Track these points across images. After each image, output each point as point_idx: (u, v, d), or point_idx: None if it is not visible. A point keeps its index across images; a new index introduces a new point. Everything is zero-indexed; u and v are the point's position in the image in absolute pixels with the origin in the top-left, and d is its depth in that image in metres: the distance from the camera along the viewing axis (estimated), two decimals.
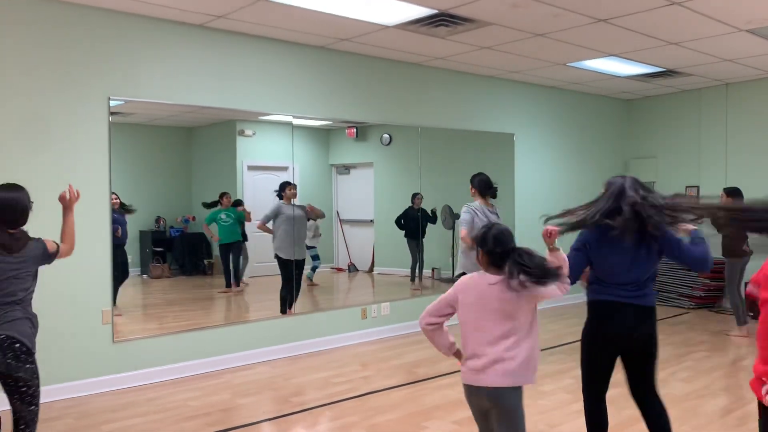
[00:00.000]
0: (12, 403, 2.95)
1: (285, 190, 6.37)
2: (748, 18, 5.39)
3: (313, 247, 7.21)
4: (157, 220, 6.31)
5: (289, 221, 6.35)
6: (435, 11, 5.12)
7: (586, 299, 3.19)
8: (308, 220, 6.75)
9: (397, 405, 4.56)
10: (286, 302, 6.26)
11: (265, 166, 6.66)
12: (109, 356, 4.98)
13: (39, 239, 3.09)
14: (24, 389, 2.91)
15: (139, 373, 5.10)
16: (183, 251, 6.55)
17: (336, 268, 7.95)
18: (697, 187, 8.77)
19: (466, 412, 4.38)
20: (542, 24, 5.50)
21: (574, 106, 8.86)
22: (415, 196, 7.45)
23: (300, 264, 6.47)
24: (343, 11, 5.12)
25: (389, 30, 5.66)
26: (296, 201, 6.49)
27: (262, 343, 5.83)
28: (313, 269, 7.29)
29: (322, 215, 6.99)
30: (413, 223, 7.50)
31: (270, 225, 6.41)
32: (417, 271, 7.70)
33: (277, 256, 6.37)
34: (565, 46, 6.27)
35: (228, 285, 6.57)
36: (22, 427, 2.96)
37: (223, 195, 6.39)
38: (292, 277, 6.31)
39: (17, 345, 2.87)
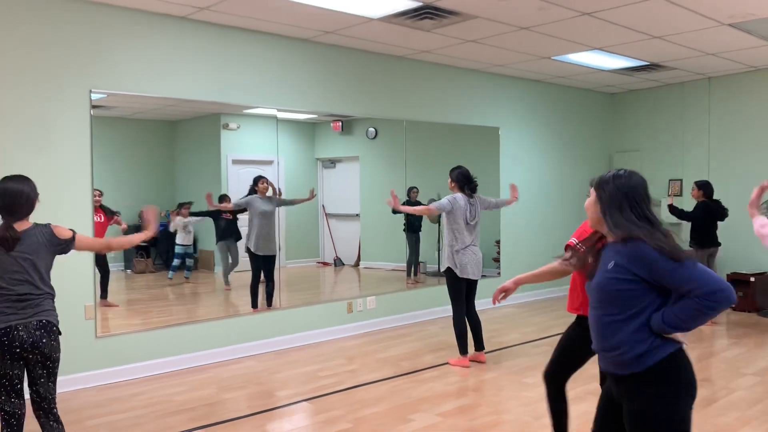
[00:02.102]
0: (42, 387, 3.02)
1: (258, 183, 6.32)
2: (730, 12, 5.43)
3: (187, 245, 6.57)
4: (140, 214, 6.25)
5: (261, 215, 6.31)
6: (420, 4, 5.11)
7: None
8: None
9: (382, 398, 4.57)
10: (257, 298, 6.24)
11: (250, 159, 6.62)
12: (93, 351, 4.93)
13: (45, 225, 3.07)
14: (57, 371, 3.08)
15: (124, 369, 5.07)
16: (167, 246, 6.49)
17: (322, 263, 7.94)
18: (680, 180, 8.84)
19: (451, 404, 4.41)
20: (527, 17, 5.51)
21: (558, 100, 8.89)
22: (410, 190, 7.44)
23: (270, 259, 6.38)
24: (328, 3, 5.09)
25: (374, 23, 5.64)
26: (282, 195, 6.46)
27: (248, 338, 5.81)
28: (188, 268, 6.66)
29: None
30: (412, 216, 7.48)
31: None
32: (413, 265, 7.71)
33: (248, 249, 6.36)
34: (550, 40, 6.28)
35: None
36: (49, 407, 3.07)
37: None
38: (260, 272, 6.31)
39: (55, 328, 3.06)
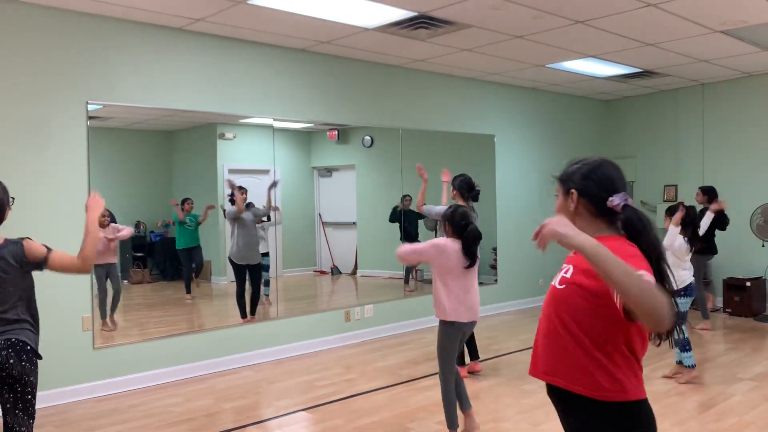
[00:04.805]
0: (9, 414, 2.68)
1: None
2: (723, 19, 5.48)
3: (266, 254, 6.68)
4: (137, 224, 6.25)
5: (241, 225, 6.31)
6: (415, 14, 5.14)
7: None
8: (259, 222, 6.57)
9: (381, 407, 4.57)
10: (245, 308, 6.22)
11: (247, 169, 6.63)
12: (90, 363, 4.92)
13: (17, 241, 2.75)
14: (29, 397, 2.73)
15: (121, 380, 5.06)
16: (163, 256, 6.49)
17: (319, 271, 7.94)
18: (675, 185, 8.88)
19: None
20: (521, 26, 5.54)
21: (553, 107, 8.93)
22: (404, 198, 7.45)
23: (255, 268, 6.39)
24: (323, 14, 5.12)
25: (369, 32, 5.67)
26: (278, 205, 6.47)
27: (245, 348, 5.81)
28: (266, 283, 6.68)
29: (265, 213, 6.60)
30: (408, 224, 7.50)
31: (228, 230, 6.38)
32: (411, 272, 7.73)
33: (231, 261, 6.34)
34: (544, 48, 6.32)
35: (188, 291, 6.48)
36: None
37: (185, 200, 6.34)
38: (244, 282, 6.29)
39: (29, 347, 2.72)
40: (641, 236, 1.79)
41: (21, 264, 2.71)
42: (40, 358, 2.79)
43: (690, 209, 5.20)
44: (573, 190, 1.91)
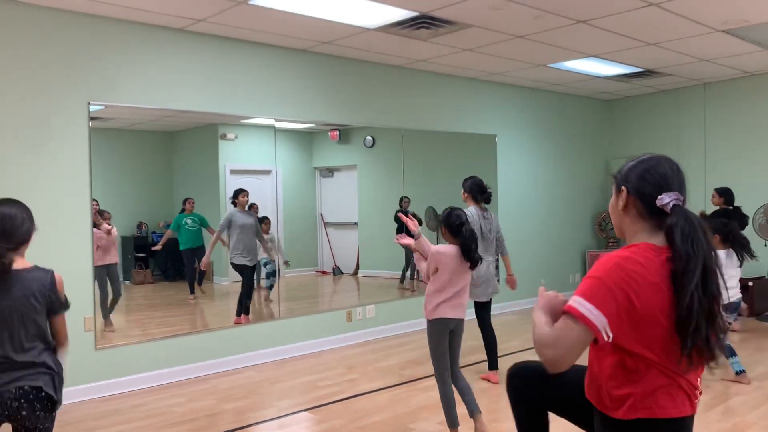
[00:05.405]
0: None
1: (238, 197, 6.29)
2: (724, 18, 5.47)
3: (271, 261, 6.79)
4: (139, 225, 6.25)
5: (242, 228, 6.31)
6: (416, 14, 5.14)
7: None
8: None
9: (383, 407, 4.57)
10: (247, 308, 6.23)
11: (248, 169, 6.64)
12: (92, 363, 4.93)
13: (47, 270, 2.53)
14: None
15: (123, 380, 5.06)
16: (165, 257, 6.49)
17: (321, 272, 7.93)
18: None
19: None
20: (522, 26, 5.54)
21: (555, 107, 8.92)
22: (402, 199, 7.45)
23: (252, 269, 6.42)
24: (324, 14, 5.12)
25: (371, 33, 5.67)
26: (280, 205, 6.47)
27: (248, 348, 5.81)
28: (270, 286, 6.77)
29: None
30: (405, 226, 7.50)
31: (224, 233, 6.37)
32: (409, 272, 7.72)
33: (233, 264, 6.34)
34: (546, 48, 6.32)
35: (192, 291, 6.46)
36: None
37: (186, 200, 6.34)
38: (250, 282, 6.31)
39: (43, 395, 2.48)
40: (672, 247, 1.67)
41: (44, 297, 2.47)
42: (59, 403, 2.56)
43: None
44: (623, 188, 1.81)
